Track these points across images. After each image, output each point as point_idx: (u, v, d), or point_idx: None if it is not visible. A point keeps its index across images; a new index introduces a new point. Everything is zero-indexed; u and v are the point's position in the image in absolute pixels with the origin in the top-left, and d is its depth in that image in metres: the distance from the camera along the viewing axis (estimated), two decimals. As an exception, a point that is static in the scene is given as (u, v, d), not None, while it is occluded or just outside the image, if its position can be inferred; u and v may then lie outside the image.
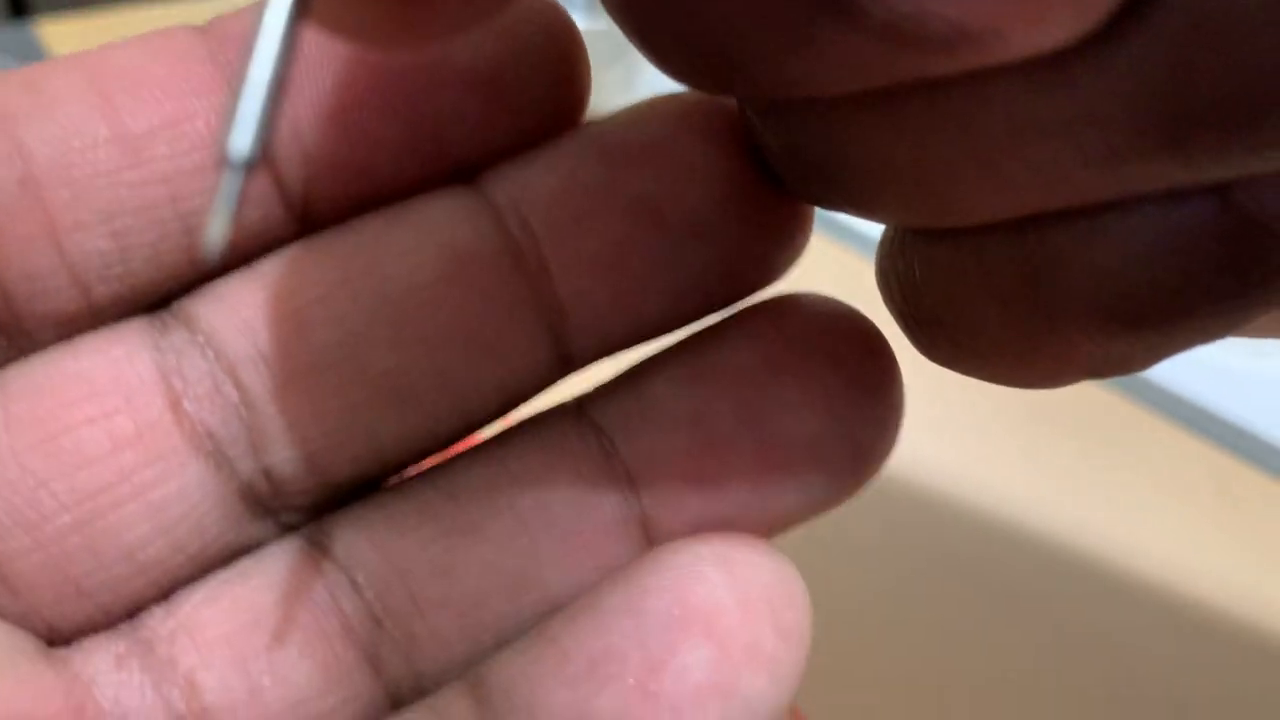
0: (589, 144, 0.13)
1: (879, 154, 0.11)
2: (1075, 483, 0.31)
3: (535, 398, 0.14)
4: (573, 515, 0.13)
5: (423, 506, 0.13)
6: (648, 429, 0.13)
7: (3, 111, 0.12)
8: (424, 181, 0.13)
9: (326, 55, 0.12)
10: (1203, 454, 0.32)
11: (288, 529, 0.13)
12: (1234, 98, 0.09)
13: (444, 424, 0.13)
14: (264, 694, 0.13)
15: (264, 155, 0.09)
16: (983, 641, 0.26)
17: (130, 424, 0.12)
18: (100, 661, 0.12)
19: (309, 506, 0.13)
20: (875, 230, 0.13)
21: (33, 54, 0.51)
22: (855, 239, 0.39)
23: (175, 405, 0.12)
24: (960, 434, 0.32)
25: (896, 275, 0.12)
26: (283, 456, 0.13)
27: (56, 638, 0.13)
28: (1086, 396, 0.34)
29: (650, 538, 0.13)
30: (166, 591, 0.13)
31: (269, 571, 0.13)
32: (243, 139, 0.09)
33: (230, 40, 0.12)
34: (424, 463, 0.14)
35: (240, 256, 0.13)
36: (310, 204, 0.13)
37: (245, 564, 0.13)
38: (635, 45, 0.11)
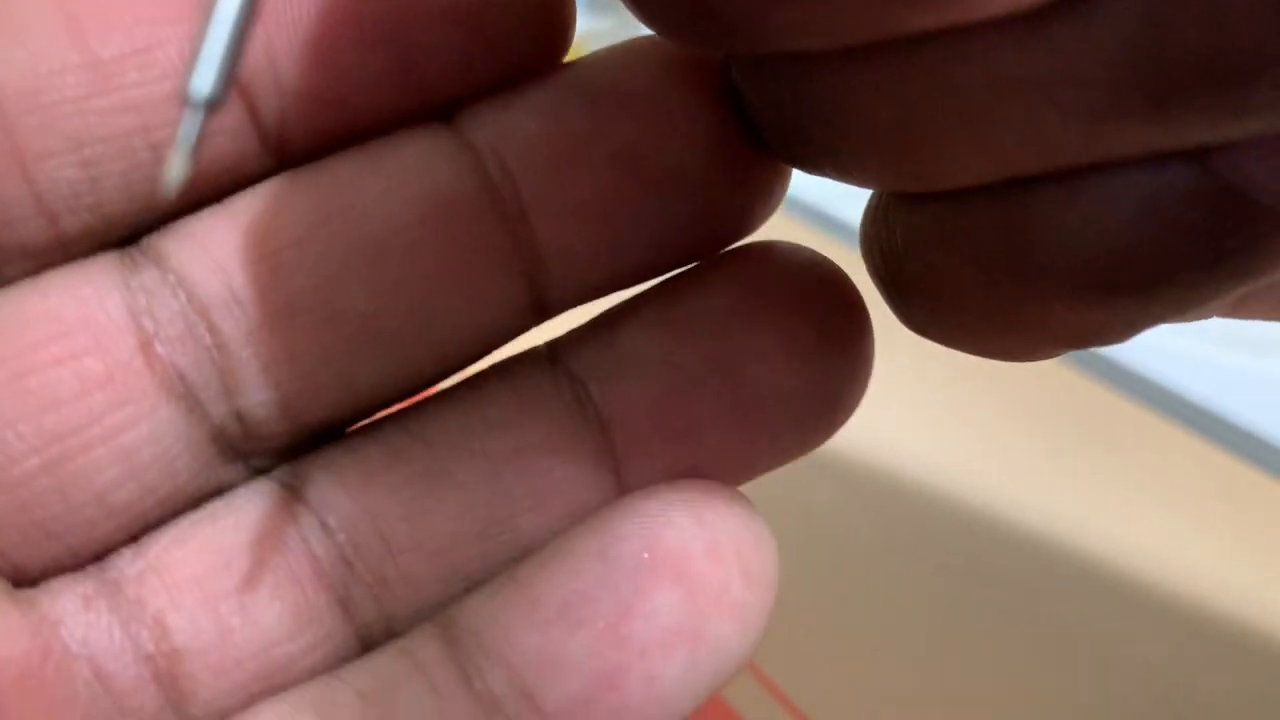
0: (573, 89, 0.13)
1: (860, 113, 0.11)
2: (1075, 483, 0.31)
3: (509, 343, 0.14)
4: (545, 461, 0.13)
5: (395, 451, 0.13)
6: (621, 376, 0.13)
7: None
8: (402, 116, 0.13)
9: None
10: (1203, 454, 0.32)
11: (258, 472, 0.13)
12: (1212, 60, 0.09)
13: (418, 368, 0.13)
14: (234, 636, 0.13)
15: (227, 93, 0.09)
16: (983, 641, 0.26)
17: (100, 365, 0.12)
18: (67, 602, 0.12)
19: (280, 449, 0.13)
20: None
21: None
22: (855, 238, 0.39)
23: (146, 347, 0.12)
24: (959, 434, 0.32)
25: (879, 242, 0.12)
26: (255, 400, 0.13)
27: (22, 578, 0.13)
28: (1087, 395, 0.34)
29: (621, 483, 0.13)
30: (136, 534, 0.13)
31: (239, 514, 0.13)
32: (205, 78, 0.09)
33: None
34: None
35: (213, 190, 0.13)
36: (285, 137, 0.13)
37: (215, 506, 0.13)
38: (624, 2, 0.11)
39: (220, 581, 0.13)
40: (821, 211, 0.39)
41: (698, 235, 0.13)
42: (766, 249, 0.13)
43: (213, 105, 0.09)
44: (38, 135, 0.12)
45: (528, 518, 0.13)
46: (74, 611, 0.12)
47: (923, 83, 0.10)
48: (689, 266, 0.14)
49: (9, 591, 0.12)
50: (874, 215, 0.13)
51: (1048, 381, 0.33)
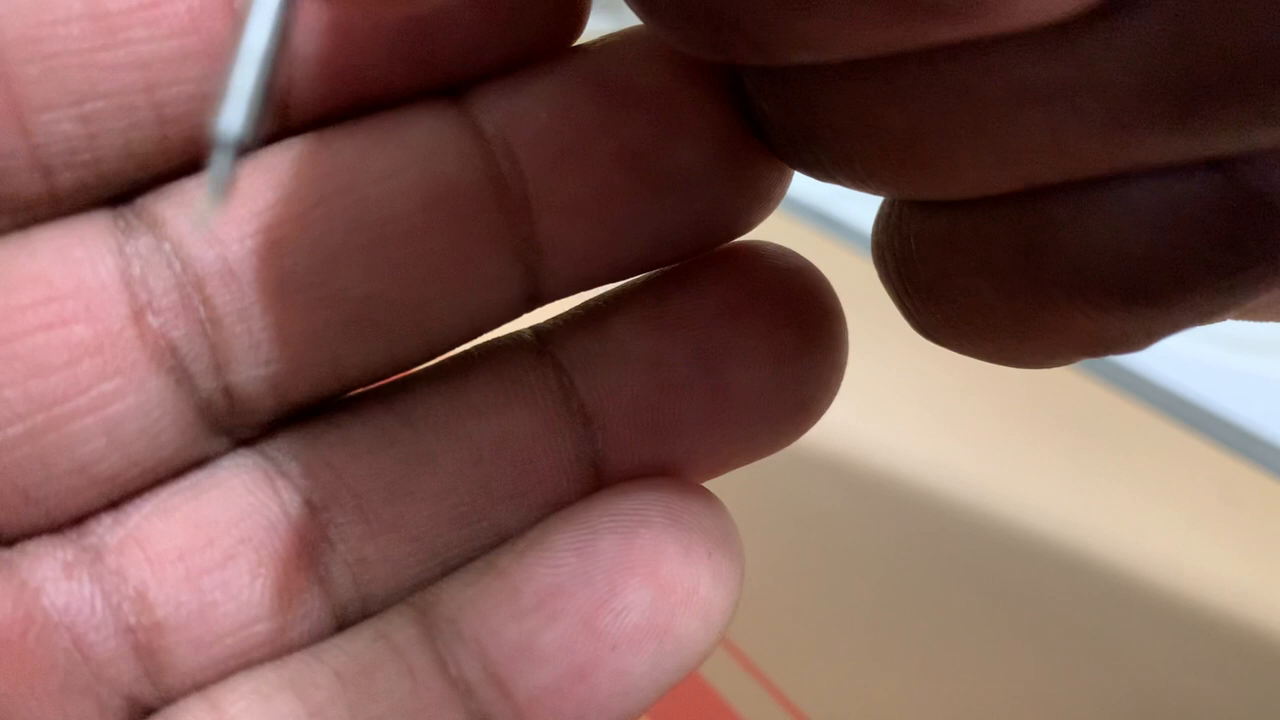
0: (585, 79, 0.13)
1: (876, 123, 0.11)
2: (1075, 483, 0.31)
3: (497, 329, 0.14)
4: (528, 451, 0.13)
5: (380, 431, 0.13)
6: (607, 370, 0.13)
7: None
8: (411, 90, 0.13)
9: None
10: (1204, 454, 0.32)
11: (240, 443, 0.13)
12: (1242, 68, 0.09)
13: (408, 350, 0.13)
14: (215, 611, 0.13)
15: (258, 132, 0.09)
16: (982, 641, 0.26)
17: (90, 333, 0.12)
18: (48, 569, 0.12)
19: (264, 423, 0.13)
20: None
21: None
22: (856, 238, 0.39)
23: (138, 316, 0.12)
24: (959, 433, 0.32)
25: (892, 250, 0.12)
26: (245, 376, 0.12)
27: None
28: (1087, 395, 0.34)
29: (599, 475, 0.13)
30: (117, 502, 0.13)
31: (223, 487, 0.13)
32: (234, 117, 0.08)
33: None
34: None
35: (204, 148, 0.12)
36: (291, 104, 0.12)
37: (198, 478, 0.13)
38: (635, 10, 0.11)
39: (203, 556, 0.13)
40: (822, 211, 0.39)
41: (695, 234, 0.13)
42: (754, 251, 0.14)
43: (243, 145, 0.09)
44: (37, 86, 0.11)
45: (506, 506, 0.13)
46: (55, 579, 0.12)
47: (941, 93, 0.10)
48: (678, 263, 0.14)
49: None
50: (886, 222, 0.13)
51: (1048, 383, 0.33)
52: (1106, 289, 0.10)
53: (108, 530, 0.13)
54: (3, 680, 0.12)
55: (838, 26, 0.09)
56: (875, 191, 0.12)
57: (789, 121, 0.12)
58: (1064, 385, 0.33)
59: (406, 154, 0.12)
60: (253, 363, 0.12)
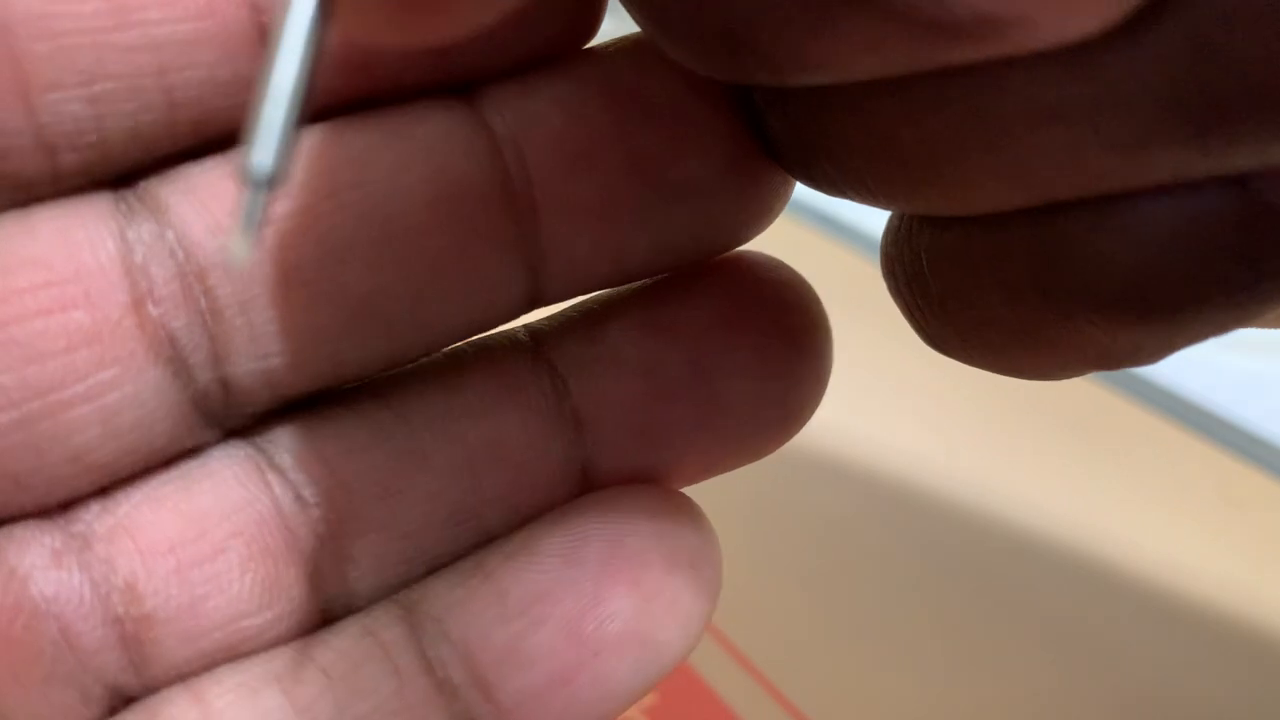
0: (598, 84, 0.13)
1: (889, 140, 0.11)
2: (1075, 483, 0.31)
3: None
4: (520, 454, 0.13)
5: (374, 426, 0.13)
6: (601, 376, 0.13)
7: None
8: (423, 86, 0.12)
9: None
10: (1204, 455, 0.32)
11: (232, 433, 0.13)
12: (1261, 86, 0.09)
13: (406, 347, 0.13)
14: (204, 604, 0.13)
15: (290, 169, 0.08)
16: (982, 641, 0.26)
17: (88, 320, 0.12)
18: (36, 556, 0.12)
19: (256, 414, 0.13)
20: (876, 230, 0.13)
21: None
22: (856, 238, 0.39)
23: (138, 305, 0.12)
24: (958, 433, 0.32)
25: (902, 264, 0.12)
26: (243, 369, 0.12)
27: None
28: (1087, 396, 0.34)
29: (587, 478, 0.13)
30: (106, 489, 0.13)
31: (215, 478, 0.13)
32: (265, 154, 0.08)
33: None
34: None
35: (219, 133, 0.12)
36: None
37: (190, 469, 0.13)
38: (648, 31, 0.11)
39: (194, 548, 0.13)
40: (824, 213, 0.39)
41: (698, 243, 0.13)
42: (749, 263, 0.14)
43: (275, 183, 0.08)
44: (46, 64, 0.11)
45: (495, 507, 0.13)
46: (43, 567, 0.12)
47: (956, 113, 0.10)
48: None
49: None
50: (896, 235, 0.12)
51: (1048, 384, 0.33)
52: (1122, 304, 0.10)
53: (96, 517, 0.12)
54: None
55: (854, 49, 0.09)
56: (886, 207, 0.12)
57: (799, 139, 0.12)
58: (1064, 387, 0.33)
59: (417, 151, 0.12)
60: (251, 356, 0.12)
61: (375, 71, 0.12)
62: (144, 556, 0.12)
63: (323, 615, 0.13)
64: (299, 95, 0.08)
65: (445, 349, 0.14)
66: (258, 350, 0.12)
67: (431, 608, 0.13)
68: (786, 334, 0.13)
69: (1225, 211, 0.10)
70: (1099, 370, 0.12)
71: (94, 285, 0.12)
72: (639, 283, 0.14)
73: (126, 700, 0.13)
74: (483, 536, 0.13)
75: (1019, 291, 0.11)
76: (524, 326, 0.14)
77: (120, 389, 0.12)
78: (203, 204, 0.12)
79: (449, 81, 0.13)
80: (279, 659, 0.13)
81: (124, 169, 0.12)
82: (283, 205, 0.12)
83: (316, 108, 0.12)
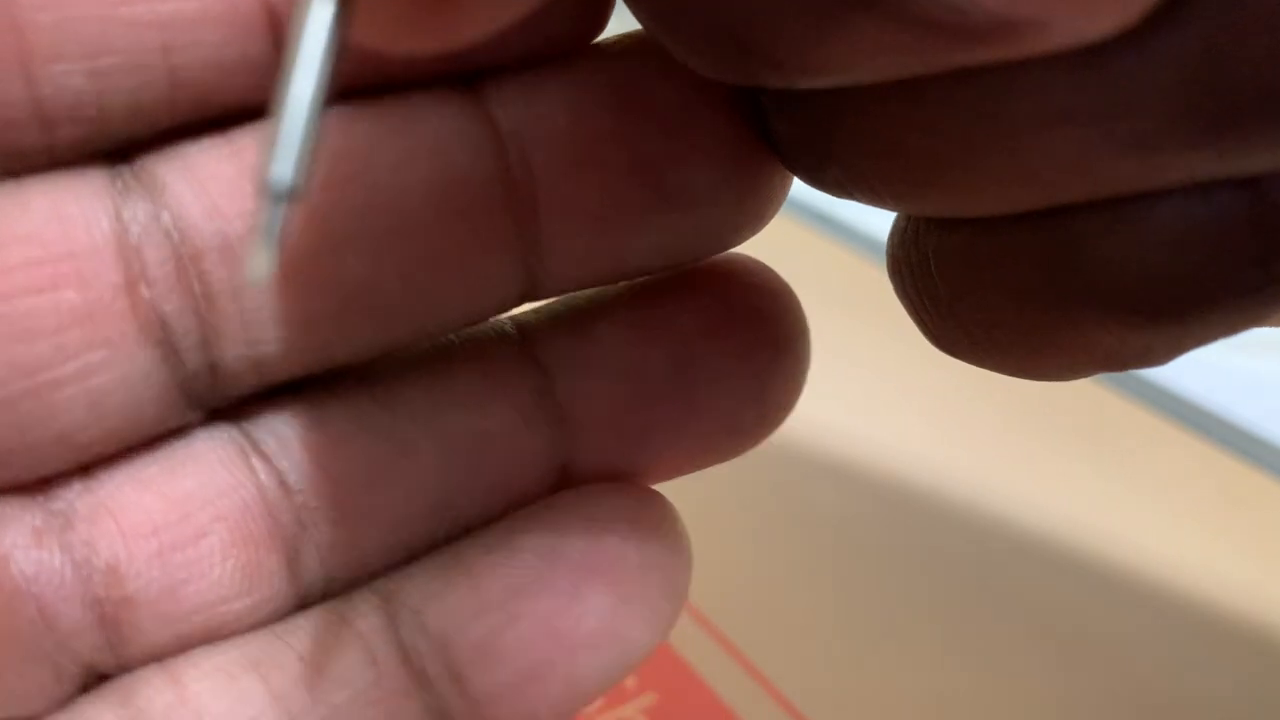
0: (603, 83, 0.13)
1: (897, 143, 0.10)
2: (1075, 482, 0.31)
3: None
4: (502, 448, 0.13)
5: (360, 414, 0.13)
6: (587, 375, 0.13)
7: None
8: (429, 76, 0.12)
9: None
10: (1204, 455, 0.32)
11: (215, 414, 0.13)
12: (1274, 89, 0.09)
13: (397, 339, 0.13)
14: (185, 589, 0.12)
15: (310, 181, 0.08)
16: (982, 641, 0.26)
17: (80, 300, 0.12)
18: (16, 534, 0.12)
19: (242, 398, 0.13)
20: (876, 230, 0.13)
21: None
22: (856, 238, 0.39)
23: (131, 287, 0.12)
24: (958, 433, 0.32)
25: (909, 265, 0.12)
26: (232, 355, 0.12)
27: None
28: (1087, 396, 0.33)
29: (566, 474, 0.14)
30: (88, 467, 0.12)
31: (199, 461, 0.13)
32: (284, 166, 0.08)
33: None
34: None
35: (221, 111, 0.12)
36: None
37: (174, 451, 0.13)
38: (654, 33, 0.11)
39: (177, 532, 0.12)
40: (824, 213, 0.39)
41: (693, 245, 0.13)
42: (737, 267, 0.14)
43: (294, 196, 0.08)
44: (49, 36, 0.11)
45: (475, 500, 0.13)
46: (24, 546, 0.12)
47: (967, 115, 0.10)
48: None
49: None
50: (902, 237, 0.12)
51: (1050, 385, 0.33)
52: (1132, 307, 0.10)
53: (77, 496, 0.12)
54: None
55: (864, 51, 0.09)
56: (893, 209, 0.12)
57: (806, 141, 0.12)
58: (1065, 387, 0.33)
59: (421, 146, 0.12)
60: (242, 342, 0.12)
61: (380, 61, 0.12)
62: (126, 539, 0.12)
63: (301, 601, 0.13)
64: (318, 104, 0.08)
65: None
66: (249, 336, 0.12)
67: (409, 599, 0.13)
68: (770, 342, 0.14)
69: (1237, 214, 0.10)
70: (1106, 371, 0.12)
71: (87, 265, 0.12)
72: (628, 281, 0.14)
73: (101, 678, 0.13)
74: (462, 527, 0.13)
75: (1028, 293, 0.11)
76: (511, 319, 0.14)
77: (109, 371, 0.12)
78: (201, 185, 0.12)
79: (456, 73, 0.12)
80: (256, 643, 0.13)
81: (122, 143, 0.12)
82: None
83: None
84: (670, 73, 0.12)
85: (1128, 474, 0.31)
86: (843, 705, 0.24)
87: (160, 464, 0.13)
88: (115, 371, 0.12)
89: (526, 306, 0.14)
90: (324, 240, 0.12)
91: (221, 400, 0.13)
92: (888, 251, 0.13)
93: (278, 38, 0.12)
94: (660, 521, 0.14)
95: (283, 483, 0.13)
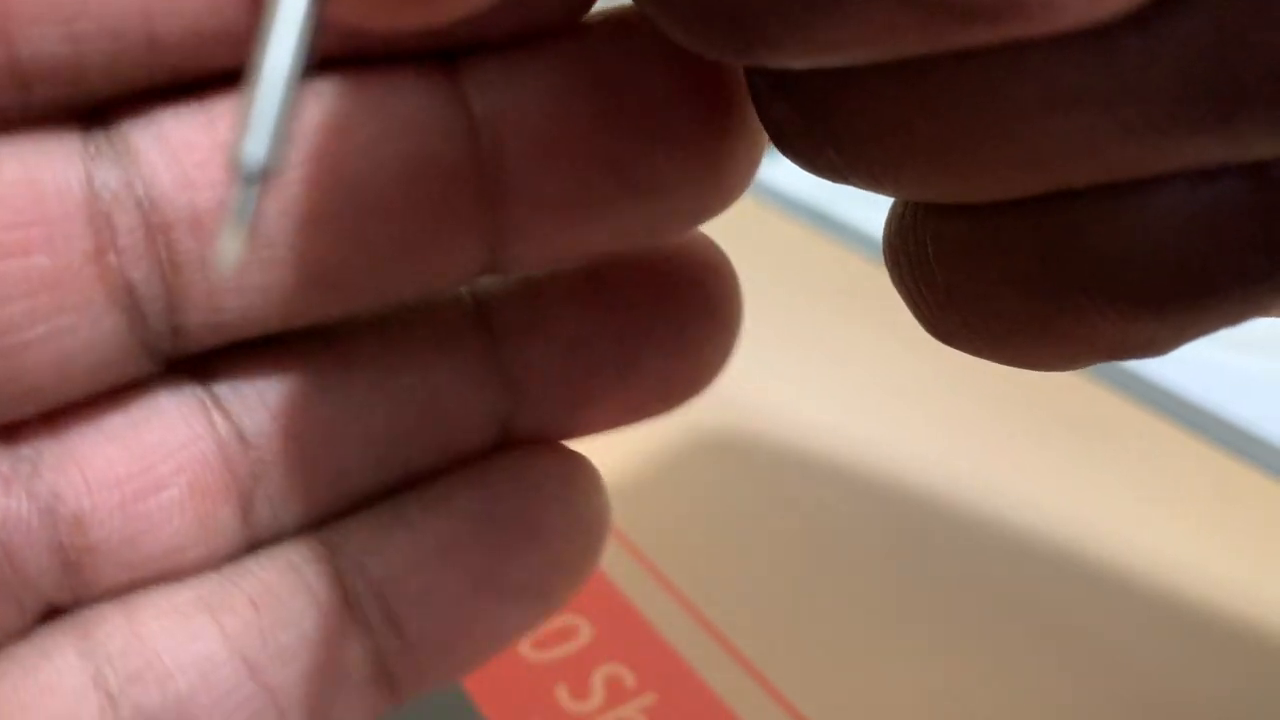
0: (582, 71, 0.12)
1: (899, 127, 0.10)
2: (1071, 480, 0.30)
3: None
4: (449, 407, 0.14)
5: (319, 370, 0.14)
6: (536, 346, 0.14)
7: None
8: (408, 52, 0.12)
9: None
10: (1203, 454, 0.32)
11: (176, 368, 0.13)
12: None
13: (357, 308, 0.13)
14: (144, 537, 0.13)
15: (285, 160, 0.08)
16: (981, 641, 0.26)
17: (50, 265, 0.12)
18: None
19: (204, 355, 0.13)
20: (874, 228, 0.13)
21: None
22: (854, 237, 0.39)
23: (100, 254, 0.12)
24: (954, 431, 0.32)
25: (906, 253, 0.12)
26: (196, 320, 0.13)
27: None
28: (1083, 393, 0.33)
29: (505, 433, 0.14)
30: (56, 423, 0.13)
31: (162, 416, 0.13)
32: (258, 145, 0.08)
33: None
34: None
35: (197, 78, 0.12)
36: None
37: (139, 406, 0.13)
38: (650, 13, 0.10)
39: (139, 483, 0.13)
40: (821, 210, 0.39)
41: (657, 230, 0.14)
42: (685, 244, 0.14)
43: (268, 175, 0.08)
44: None
45: (420, 455, 0.14)
46: None
47: (970, 97, 0.10)
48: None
49: None
50: (900, 224, 0.12)
51: (1045, 381, 0.33)
52: (1135, 294, 0.10)
53: (46, 446, 0.13)
54: None
55: (866, 31, 0.09)
56: (892, 194, 0.12)
57: (804, 124, 0.11)
58: (1062, 384, 0.33)
59: (394, 128, 0.12)
60: (206, 309, 0.12)
61: (362, 37, 0.12)
62: (92, 489, 0.13)
63: (252, 547, 0.14)
64: (294, 82, 0.08)
65: None
66: (212, 304, 0.12)
67: (353, 548, 0.14)
68: (709, 322, 0.14)
69: (1243, 200, 0.10)
70: (1107, 361, 0.12)
71: (57, 229, 0.12)
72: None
73: (59, 611, 0.13)
74: (405, 479, 0.14)
75: (1028, 282, 0.11)
76: (467, 288, 0.14)
77: (77, 335, 0.12)
78: (174, 155, 0.12)
79: (435, 50, 0.12)
80: (209, 585, 0.13)
81: (97, 104, 0.12)
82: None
83: None
84: (652, 57, 0.12)
85: (1124, 471, 0.31)
86: (843, 705, 0.24)
87: (125, 417, 0.13)
88: (82, 335, 0.12)
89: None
90: (291, 217, 0.12)
91: (183, 354, 0.13)
92: (884, 239, 0.13)
93: (260, 6, 0.11)
94: (586, 485, 0.14)
95: (241, 437, 0.13)
